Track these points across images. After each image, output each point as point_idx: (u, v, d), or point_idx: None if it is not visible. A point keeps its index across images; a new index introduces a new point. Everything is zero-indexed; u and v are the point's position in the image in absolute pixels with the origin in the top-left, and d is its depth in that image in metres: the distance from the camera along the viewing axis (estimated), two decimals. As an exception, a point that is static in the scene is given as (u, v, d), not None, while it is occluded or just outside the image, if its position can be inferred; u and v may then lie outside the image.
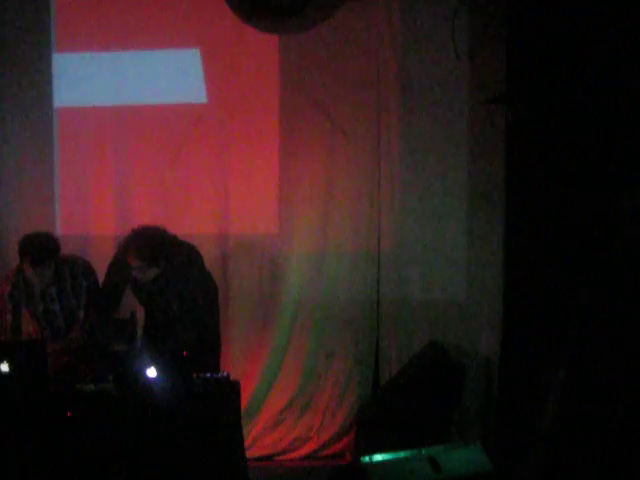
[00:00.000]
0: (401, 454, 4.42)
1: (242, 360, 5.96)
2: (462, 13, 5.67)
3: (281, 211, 6.08)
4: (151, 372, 4.51)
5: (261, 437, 5.97)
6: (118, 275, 5.14)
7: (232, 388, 4.78)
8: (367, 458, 4.38)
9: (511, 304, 5.67)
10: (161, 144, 6.12)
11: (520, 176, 5.56)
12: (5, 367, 4.56)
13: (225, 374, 4.73)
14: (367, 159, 5.96)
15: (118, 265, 5.13)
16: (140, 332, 5.29)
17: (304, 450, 5.94)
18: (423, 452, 4.45)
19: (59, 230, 6.08)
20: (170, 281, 5.05)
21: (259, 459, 5.82)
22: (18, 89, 6.12)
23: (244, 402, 5.36)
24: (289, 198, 6.05)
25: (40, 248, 4.94)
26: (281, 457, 5.94)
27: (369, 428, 5.47)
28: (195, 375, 4.61)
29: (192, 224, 5.98)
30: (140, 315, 5.29)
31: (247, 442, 5.36)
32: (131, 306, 5.31)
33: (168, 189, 6.12)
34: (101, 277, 5.25)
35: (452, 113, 5.83)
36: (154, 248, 4.90)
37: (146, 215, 5.98)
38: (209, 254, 5.54)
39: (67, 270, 5.12)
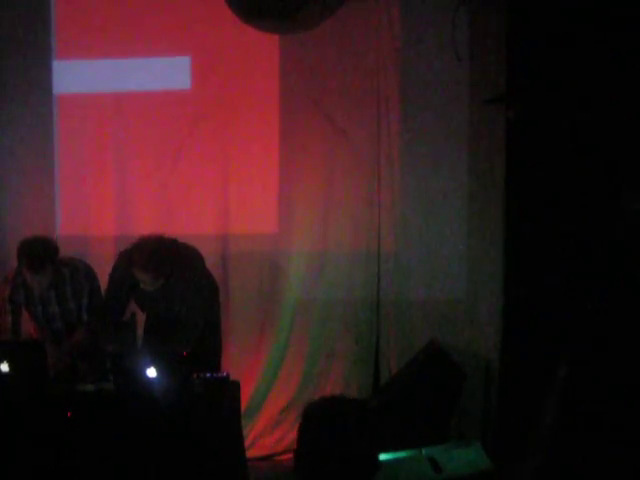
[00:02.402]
0: (401, 454, 4.42)
1: (242, 360, 5.95)
2: (462, 13, 5.66)
3: (281, 211, 6.08)
4: (151, 372, 4.51)
5: (261, 437, 5.97)
6: (121, 286, 5.10)
7: (232, 388, 4.78)
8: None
9: (511, 304, 5.66)
10: (161, 145, 6.12)
11: (520, 176, 5.56)
12: (5, 367, 4.55)
13: (225, 374, 4.73)
14: (367, 159, 5.96)
15: (120, 276, 5.10)
16: (140, 332, 5.28)
17: (304, 450, 5.93)
18: (423, 452, 4.45)
19: (59, 230, 6.09)
20: (173, 286, 5.03)
21: (259, 459, 5.82)
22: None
23: (244, 402, 5.35)
24: (289, 198, 6.05)
25: (37, 255, 4.91)
26: (281, 457, 5.94)
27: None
28: (195, 375, 4.61)
29: (192, 224, 5.98)
30: (140, 316, 5.29)
31: (247, 442, 5.36)
32: (132, 307, 5.31)
33: (168, 189, 6.12)
34: (101, 277, 5.25)
35: (452, 113, 5.82)
36: (160, 260, 4.87)
37: (146, 215, 5.99)
38: (209, 254, 5.53)
39: (67, 274, 5.10)
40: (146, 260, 4.83)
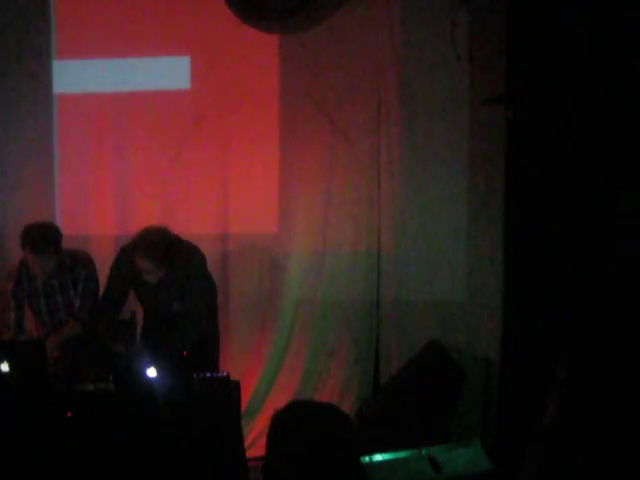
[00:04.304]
0: (401, 454, 4.41)
1: (242, 360, 5.96)
2: (462, 13, 5.67)
3: (281, 211, 6.08)
4: (151, 372, 4.51)
5: (261, 437, 5.96)
6: (122, 278, 5.12)
7: (232, 388, 4.78)
8: (367, 458, 4.37)
9: (511, 304, 5.67)
10: (161, 144, 6.12)
11: (520, 176, 5.56)
12: (5, 367, 4.56)
13: (225, 374, 4.73)
14: (367, 159, 5.96)
15: (121, 268, 5.12)
16: (139, 332, 5.29)
17: (304, 450, 5.92)
18: (423, 452, 4.44)
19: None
20: (174, 281, 5.05)
21: (259, 459, 5.80)
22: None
23: (244, 402, 5.35)
24: (289, 198, 6.05)
25: (41, 236, 4.96)
26: (281, 457, 5.93)
27: (369, 428, 5.47)
28: (195, 375, 4.61)
29: (192, 224, 5.98)
30: (140, 315, 5.30)
31: (247, 442, 5.35)
32: (131, 306, 5.31)
33: (168, 189, 6.12)
34: (101, 277, 5.26)
35: (452, 113, 5.83)
36: (164, 249, 4.89)
37: (146, 215, 5.98)
38: (209, 254, 5.53)
39: (68, 262, 5.15)
40: (149, 248, 4.85)
